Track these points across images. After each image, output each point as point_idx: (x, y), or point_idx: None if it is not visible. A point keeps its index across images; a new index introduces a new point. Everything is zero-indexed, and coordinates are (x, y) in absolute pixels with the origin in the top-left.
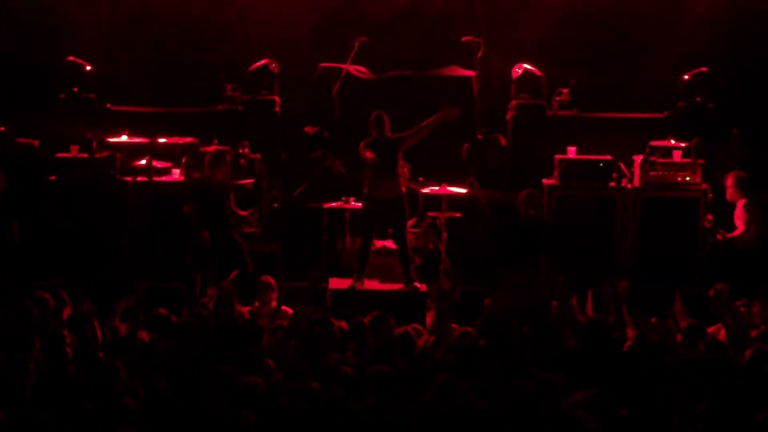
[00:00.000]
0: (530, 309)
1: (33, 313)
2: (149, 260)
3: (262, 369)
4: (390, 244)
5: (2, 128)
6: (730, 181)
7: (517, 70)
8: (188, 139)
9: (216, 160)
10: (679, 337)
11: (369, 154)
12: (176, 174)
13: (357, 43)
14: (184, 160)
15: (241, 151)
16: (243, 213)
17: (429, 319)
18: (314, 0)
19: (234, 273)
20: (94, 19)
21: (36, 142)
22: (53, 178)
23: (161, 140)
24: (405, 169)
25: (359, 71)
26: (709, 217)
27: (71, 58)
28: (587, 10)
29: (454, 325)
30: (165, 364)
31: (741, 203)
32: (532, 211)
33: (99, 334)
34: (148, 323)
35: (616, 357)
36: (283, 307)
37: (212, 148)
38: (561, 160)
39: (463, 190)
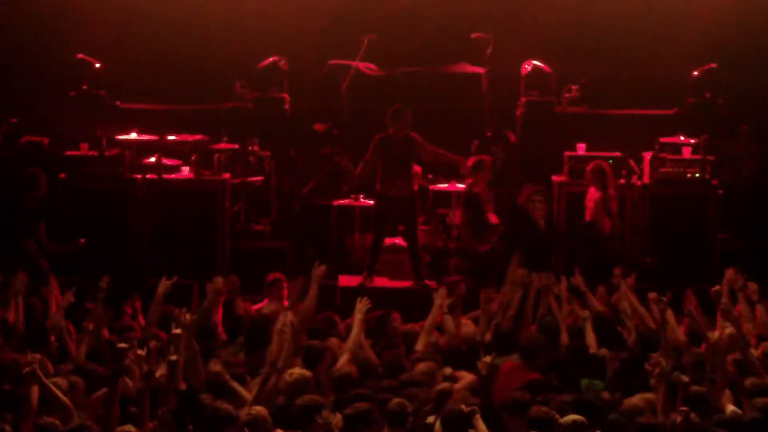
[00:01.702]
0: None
1: (38, 309)
2: (159, 257)
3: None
4: (400, 241)
5: (14, 120)
6: (590, 166)
7: (527, 67)
8: (198, 137)
9: (477, 168)
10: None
11: (360, 164)
12: (186, 171)
13: (366, 40)
14: (193, 158)
15: (250, 148)
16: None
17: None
18: None
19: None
20: (103, 17)
21: (46, 140)
22: (63, 175)
23: (171, 138)
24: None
25: (369, 68)
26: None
27: (81, 55)
28: (596, 7)
29: (464, 320)
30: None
31: (596, 195)
32: (537, 206)
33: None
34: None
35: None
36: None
37: (222, 146)
38: (570, 157)
39: None
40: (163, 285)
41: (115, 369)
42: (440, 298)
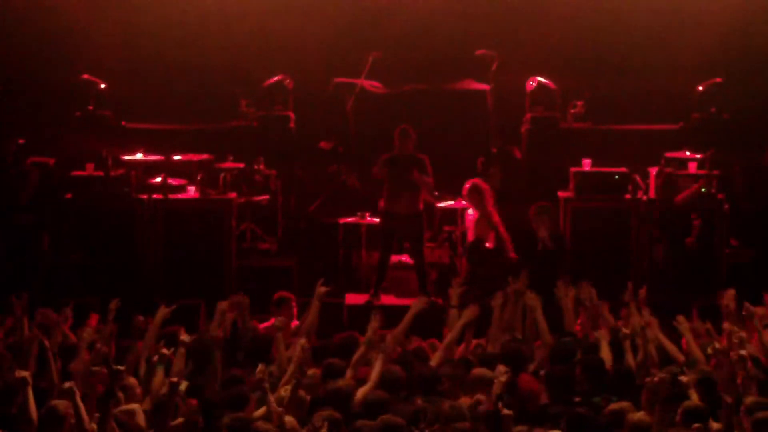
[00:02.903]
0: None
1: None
2: (165, 277)
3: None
4: (406, 258)
5: (21, 140)
6: (467, 186)
7: (532, 83)
8: (203, 156)
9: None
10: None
11: (375, 169)
12: (192, 191)
13: (371, 58)
14: (199, 177)
15: (256, 167)
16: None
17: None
18: (328, 15)
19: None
20: (108, 37)
21: (51, 161)
22: (69, 196)
23: (176, 157)
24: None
25: (374, 86)
26: None
27: (86, 75)
28: (600, 22)
29: (475, 342)
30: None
31: (476, 213)
32: (543, 226)
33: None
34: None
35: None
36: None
37: (228, 165)
38: (576, 173)
39: None
40: (162, 312)
41: (110, 390)
42: (467, 317)
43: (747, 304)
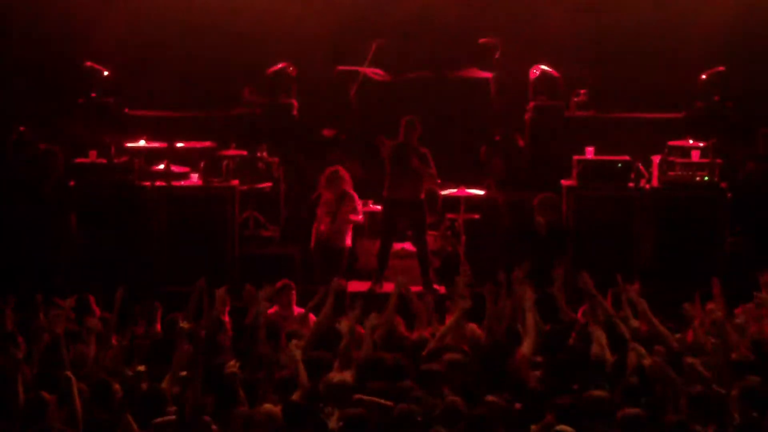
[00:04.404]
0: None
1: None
2: (168, 264)
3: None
4: (409, 246)
5: (22, 128)
6: (326, 173)
7: (535, 72)
8: (206, 144)
9: None
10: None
11: (387, 142)
12: (194, 178)
13: (374, 46)
14: (202, 165)
15: (259, 154)
16: None
17: (448, 321)
18: (331, 3)
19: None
20: (111, 25)
21: (55, 148)
22: (72, 183)
23: (179, 144)
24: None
25: (376, 74)
26: None
27: (89, 63)
28: (604, 10)
29: (473, 325)
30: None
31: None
32: (545, 218)
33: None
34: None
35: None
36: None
37: (231, 152)
38: (579, 161)
39: (481, 192)
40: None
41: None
42: (461, 308)
43: (758, 294)
